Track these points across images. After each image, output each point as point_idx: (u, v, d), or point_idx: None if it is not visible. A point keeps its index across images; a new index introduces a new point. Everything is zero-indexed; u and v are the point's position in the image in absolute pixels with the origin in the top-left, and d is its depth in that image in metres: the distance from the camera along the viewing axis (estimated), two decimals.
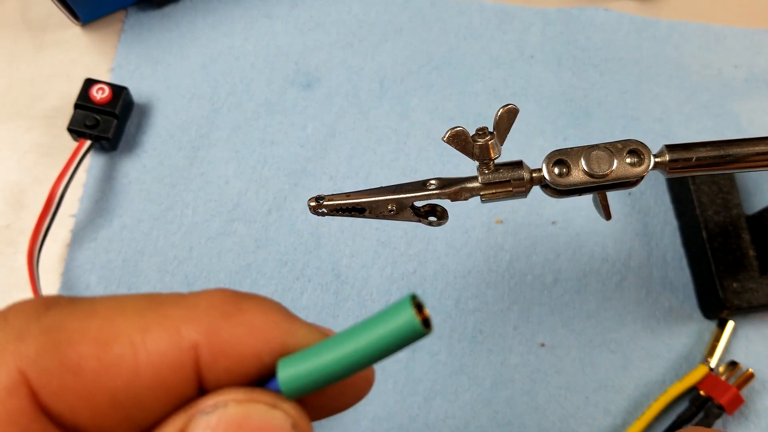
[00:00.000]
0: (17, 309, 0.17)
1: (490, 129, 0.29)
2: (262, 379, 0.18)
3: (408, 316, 0.15)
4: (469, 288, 0.42)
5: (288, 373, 0.17)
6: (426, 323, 0.16)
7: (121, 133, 0.45)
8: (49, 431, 0.16)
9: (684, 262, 0.44)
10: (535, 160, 0.32)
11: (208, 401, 0.17)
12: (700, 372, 0.40)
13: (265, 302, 0.18)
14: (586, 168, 0.30)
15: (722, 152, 0.32)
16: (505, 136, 0.30)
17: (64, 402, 0.16)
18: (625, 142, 0.31)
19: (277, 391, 0.17)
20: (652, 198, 0.45)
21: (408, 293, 0.16)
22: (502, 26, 0.49)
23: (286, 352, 0.18)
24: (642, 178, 0.31)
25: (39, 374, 0.16)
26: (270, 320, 0.18)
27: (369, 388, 0.20)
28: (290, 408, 0.17)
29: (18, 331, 0.16)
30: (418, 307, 0.16)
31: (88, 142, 0.43)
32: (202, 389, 0.18)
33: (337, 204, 0.31)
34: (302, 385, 0.17)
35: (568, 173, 0.31)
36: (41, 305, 0.17)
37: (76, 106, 0.43)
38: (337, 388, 0.19)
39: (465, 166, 0.32)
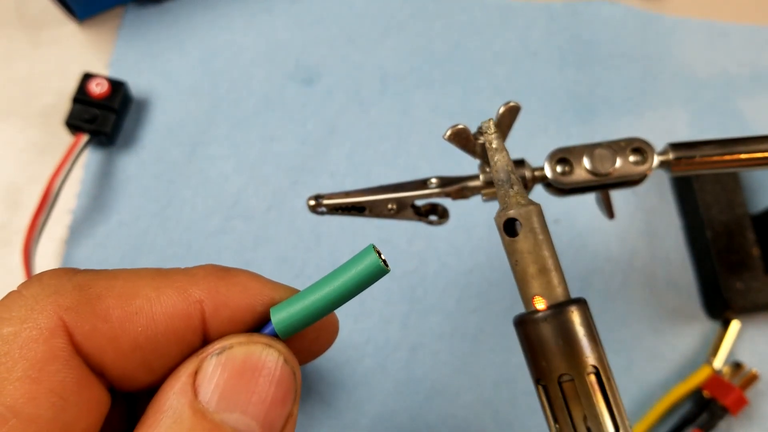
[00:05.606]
0: (50, 273, 0.21)
1: None
2: (256, 327, 0.22)
3: (373, 259, 0.20)
4: (471, 287, 0.42)
5: (280, 316, 0.21)
6: (385, 263, 0.20)
7: (119, 128, 0.44)
8: (82, 367, 0.20)
9: (688, 262, 0.43)
10: (538, 158, 0.31)
11: (216, 345, 0.21)
12: (704, 373, 0.40)
13: (250, 271, 0.23)
14: (589, 166, 0.30)
15: (727, 151, 0.31)
16: (507, 134, 0.29)
17: (95, 343, 0.20)
18: (629, 140, 0.31)
19: (271, 335, 0.21)
20: (656, 197, 0.45)
21: (369, 244, 0.21)
22: (505, 22, 0.48)
23: (274, 304, 0.22)
24: (646, 176, 0.31)
25: (75, 320, 0.20)
26: (258, 281, 0.22)
27: (336, 333, 0.25)
28: (281, 347, 0.21)
29: (55, 288, 0.20)
30: (378, 253, 0.20)
31: (85, 137, 0.42)
32: (206, 342, 0.21)
33: (337, 203, 0.31)
34: (292, 324, 0.21)
35: (571, 171, 0.30)
36: (70, 270, 0.21)
37: (75, 100, 0.43)
38: (313, 334, 0.24)
39: (467, 165, 0.32)
